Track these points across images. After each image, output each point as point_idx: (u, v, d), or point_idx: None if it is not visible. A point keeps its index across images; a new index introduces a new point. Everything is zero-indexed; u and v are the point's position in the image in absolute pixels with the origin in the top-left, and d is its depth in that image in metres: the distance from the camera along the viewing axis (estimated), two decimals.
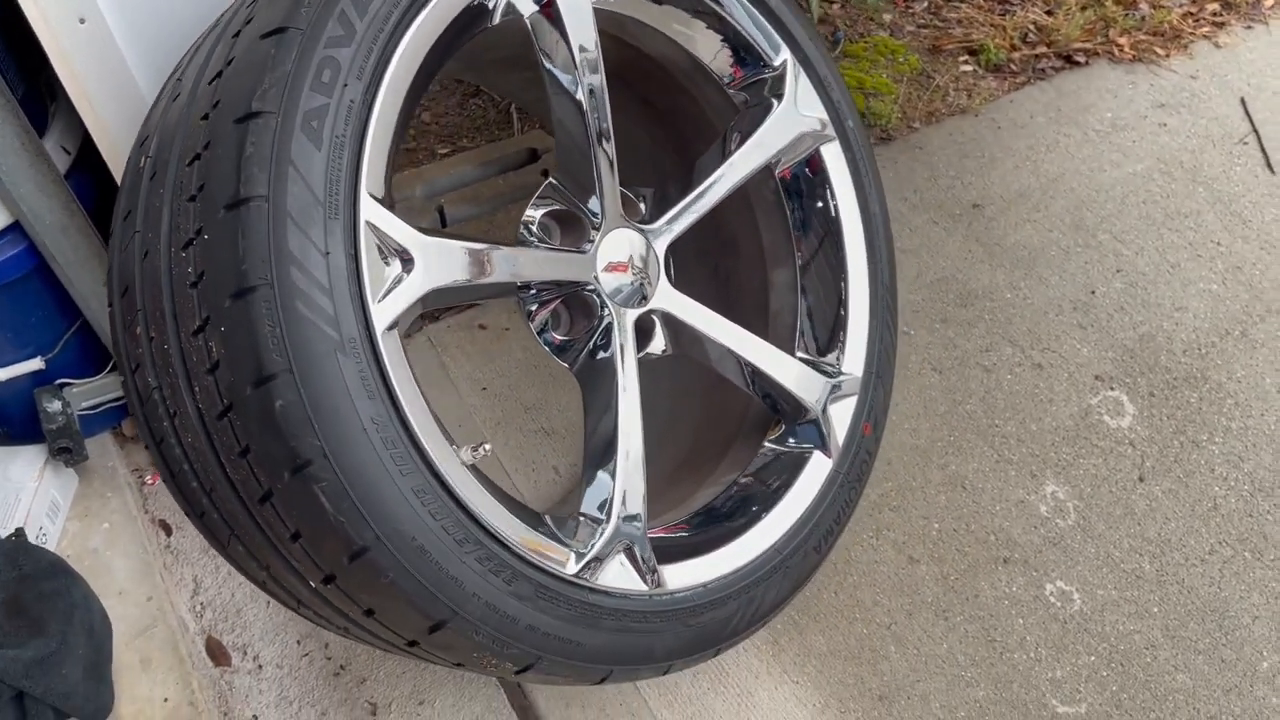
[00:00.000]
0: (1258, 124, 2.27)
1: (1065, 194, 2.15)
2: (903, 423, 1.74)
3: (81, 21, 1.19)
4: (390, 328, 0.95)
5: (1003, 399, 1.79)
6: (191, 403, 0.98)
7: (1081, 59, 2.44)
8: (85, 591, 1.27)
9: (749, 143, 1.28)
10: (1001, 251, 2.04)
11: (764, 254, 1.44)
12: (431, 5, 1.00)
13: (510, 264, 1.07)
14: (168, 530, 1.65)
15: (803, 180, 1.37)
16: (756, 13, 1.28)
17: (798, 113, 1.31)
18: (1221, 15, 2.54)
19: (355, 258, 0.93)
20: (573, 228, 1.19)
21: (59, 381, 1.57)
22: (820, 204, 1.37)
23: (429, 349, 1.85)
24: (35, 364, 1.53)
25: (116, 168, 1.31)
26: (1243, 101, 2.33)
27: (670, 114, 1.42)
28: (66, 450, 1.56)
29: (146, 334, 1.03)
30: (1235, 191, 2.13)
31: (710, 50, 1.31)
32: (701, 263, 1.51)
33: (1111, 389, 1.80)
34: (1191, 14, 2.53)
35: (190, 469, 1.04)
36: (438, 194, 1.99)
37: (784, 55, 1.30)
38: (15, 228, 1.38)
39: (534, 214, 1.17)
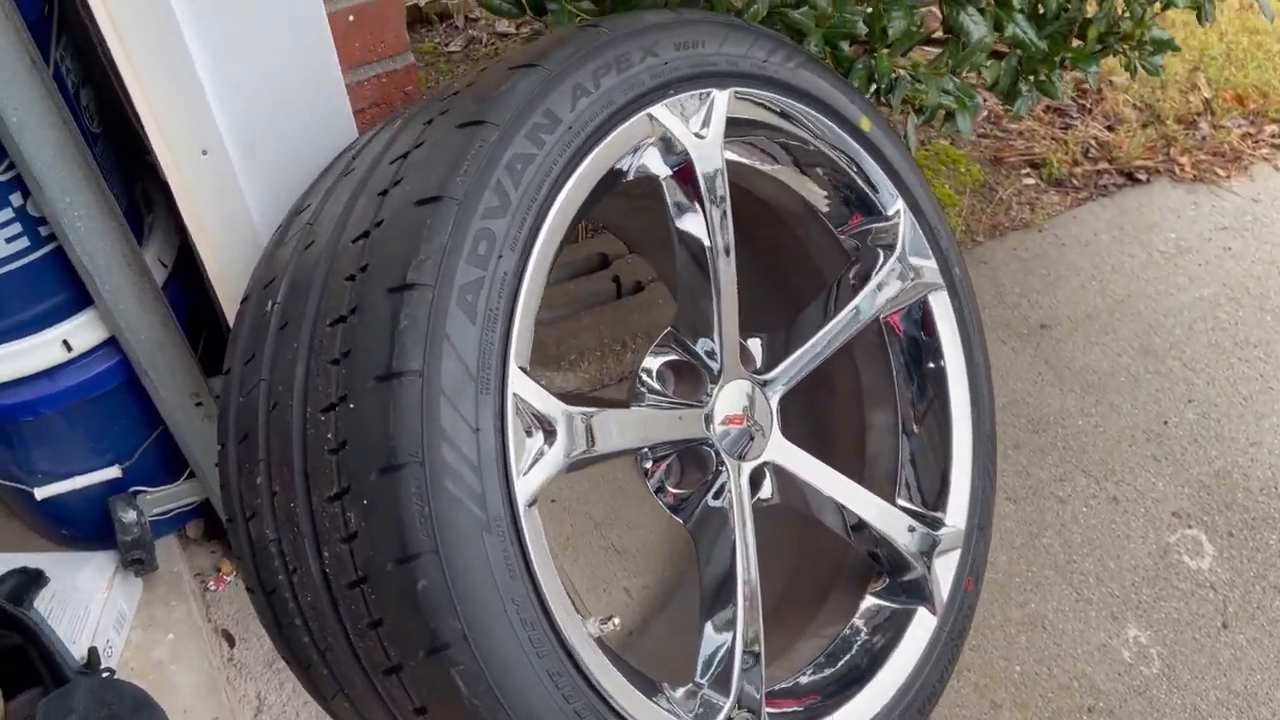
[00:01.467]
0: None
1: (1133, 317, 2.14)
2: None
3: (204, 153, 1.18)
4: (531, 504, 0.93)
5: (1079, 533, 1.77)
6: (317, 564, 0.96)
7: (1143, 177, 2.45)
8: None
9: (863, 292, 1.27)
10: (1071, 375, 2.02)
11: (862, 395, 1.42)
12: (579, 172, 0.99)
13: (644, 427, 1.05)
14: (231, 641, 1.62)
15: (909, 327, 1.36)
16: (874, 162, 1.28)
17: (909, 261, 1.30)
18: None
19: (502, 432, 0.91)
20: (690, 378, 1.18)
21: (133, 490, 1.55)
22: (926, 352, 1.36)
23: None
24: (113, 472, 1.51)
25: (225, 296, 1.29)
26: None
27: (775, 255, 1.41)
28: (139, 561, 1.53)
29: (269, 486, 1.01)
30: None
31: (824, 197, 1.31)
32: (792, 397, 1.49)
33: (1189, 527, 1.78)
34: (1250, 135, 2.55)
35: (303, 624, 1.02)
36: None
37: (898, 205, 1.30)
38: (110, 342, 1.36)
39: (652, 363, 1.16)
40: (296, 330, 0.99)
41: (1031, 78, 1.65)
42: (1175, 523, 1.79)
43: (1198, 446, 1.91)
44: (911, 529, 1.29)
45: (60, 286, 1.29)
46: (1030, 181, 2.43)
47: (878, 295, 1.28)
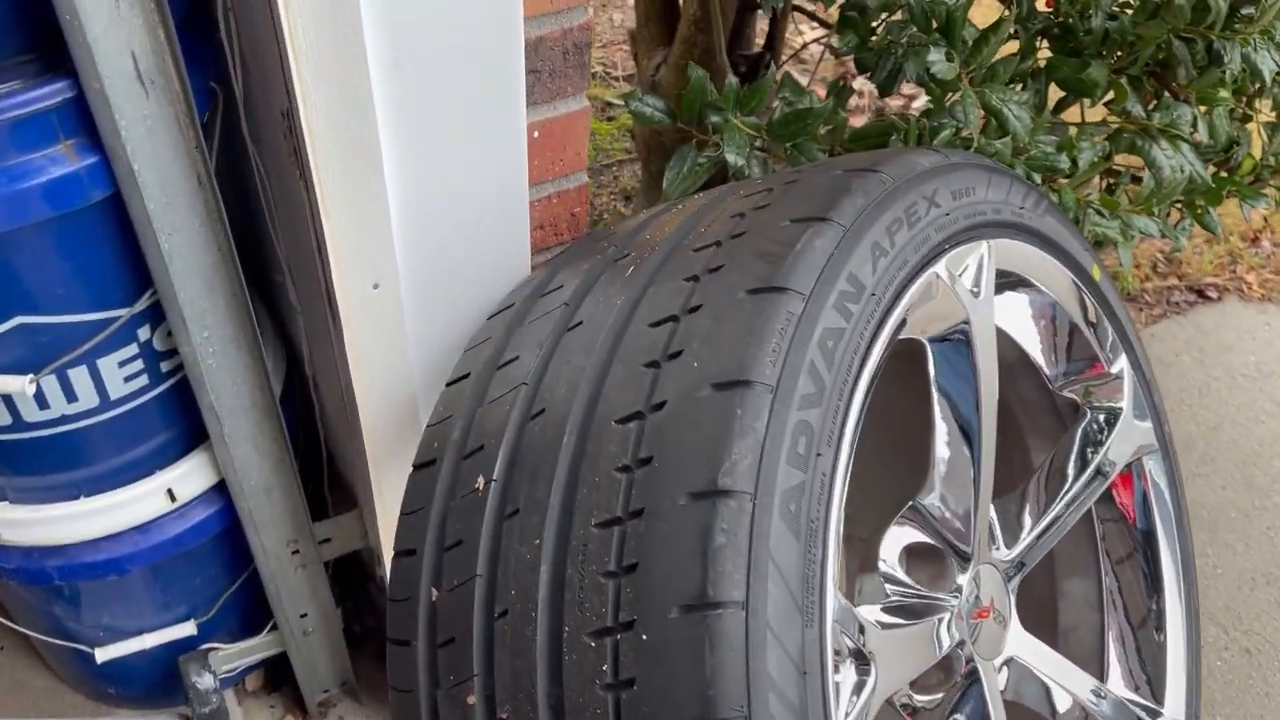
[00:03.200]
0: None
1: (1229, 446, 2.07)
2: None
3: (375, 287, 1.01)
4: None
5: (1219, 690, 1.65)
6: None
7: (1213, 294, 2.40)
8: None
9: (1099, 457, 1.14)
10: None
11: (1053, 560, 1.29)
12: (879, 344, 0.85)
13: (928, 644, 0.90)
14: None
15: (1120, 490, 1.24)
16: (1103, 313, 1.16)
17: (1134, 424, 1.19)
18: None
19: (823, 673, 0.75)
20: (933, 564, 1.03)
21: (205, 647, 1.33)
22: (1137, 519, 1.24)
23: None
24: (187, 629, 1.30)
25: (374, 447, 1.11)
26: None
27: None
28: None
29: (488, 712, 0.83)
30: None
31: (1041, 346, 1.19)
32: None
33: None
34: None
35: None
36: None
37: (1122, 360, 1.18)
38: (216, 488, 1.16)
39: (894, 546, 1.00)
40: (536, 523, 0.82)
41: (1193, 211, 1.56)
42: None
43: None
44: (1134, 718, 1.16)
45: (171, 426, 1.10)
46: None
47: (1113, 460, 1.15)
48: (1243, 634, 1.75)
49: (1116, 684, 1.22)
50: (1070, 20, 1.43)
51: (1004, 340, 1.18)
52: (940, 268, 0.92)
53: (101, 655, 1.26)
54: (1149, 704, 1.19)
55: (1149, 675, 1.21)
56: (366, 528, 1.32)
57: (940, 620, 0.94)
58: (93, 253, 0.89)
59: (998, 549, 1.09)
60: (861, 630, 0.80)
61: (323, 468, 1.33)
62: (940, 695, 1.01)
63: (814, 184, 0.92)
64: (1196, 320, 2.36)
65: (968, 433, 0.99)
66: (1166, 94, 1.46)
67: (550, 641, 0.79)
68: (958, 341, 0.97)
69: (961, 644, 0.99)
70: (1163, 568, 1.23)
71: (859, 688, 0.79)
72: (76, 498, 1.07)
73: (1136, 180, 1.62)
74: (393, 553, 0.96)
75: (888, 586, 0.99)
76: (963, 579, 1.01)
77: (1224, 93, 1.40)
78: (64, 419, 0.99)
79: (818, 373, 0.78)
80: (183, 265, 0.93)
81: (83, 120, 0.81)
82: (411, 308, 1.05)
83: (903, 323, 0.91)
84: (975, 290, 0.97)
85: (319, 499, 1.36)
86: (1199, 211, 1.56)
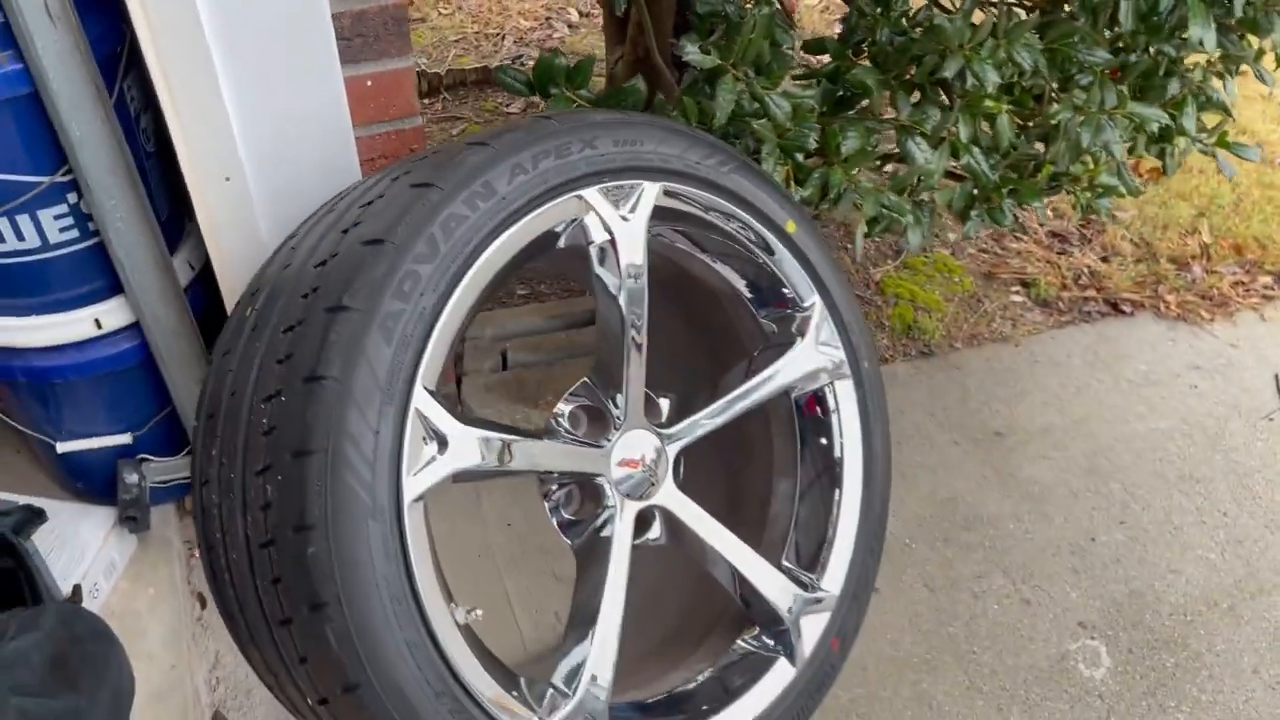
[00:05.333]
0: None
1: (1086, 437, 2.26)
2: (885, 632, 1.85)
3: (226, 179, 1.42)
4: (417, 499, 1.12)
5: (985, 627, 1.89)
6: (242, 527, 1.16)
7: (1128, 309, 2.57)
8: (121, 658, 1.44)
9: (769, 369, 1.44)
10: (1014, 483, 2.15)
11: (774, 463, 1.59)
12: (506, 235, 1.20)
13: (531, 455, 1.24)
14: (203, 603, 1.82)
15: (816, 408, 1.53)
16: (795, 260, 1.46)
17: (818, 351, 1.48)
18: (1273, 289, 2.65)
19: (399, 438, 1.11)
20: (597, 423, 1.36)
21: (140, 456, 1.78)
22: (826, 434, 1.52)
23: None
24: (124, 438, 1.74)
25: (230, 300, 1.52)
26: (1276, 378, 2.43)
27: (705, 329, 1.60)
28: (133, 519, 1.76)
29: (220, 459, 1.22)
30: (1252, 465, 2.22)
31: (747, 284, 1.49)
32: (718, 458, 1.66)
33: (1092, 638, 1.89)
34: (1242, 283, 2.65)
35: (230, 579, 1.21)
36: (504, 338, 2.19)
37: (814, 299, 1.48)
38: (134, 326, 1.60)
39: (565, 408, 1.35)
40: (262, 334, 1.21)
41: (984, 205, 1.81)
42: (1080, 632, 1.90)
43: (1119, 566, 2.01)
44: (786, 588, 1.45)
45: (98, 274, 1.53)
46: (1018, 299, 2.58)
47: (780, 375, 1.45)
48: (1029, 588, 1.96)
49: (789, 559, 1.51)
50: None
51: (713, 273, 1.50)
52: (588, 193, 1.26)
53: (61, 447, 1.72)
54: (808, 575, 1.48)
55: (806, 551, 1.50)
56: None
57: (546, 445, 1.28)
58: (22, 130, 1.33)
59: (660, 422, 1.41)
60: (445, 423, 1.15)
61: None
62: (587, 516, 1.34)
63: (513, 126, 1.27)
64: (1102, 329, 2.54)
65: (621, 327, 1.32)
66: (944, 98, 1.72)
67: (248, 408, 1.17)
68: (609, 250, 1.30)
69: (603, 480, 1.32)
70: (844, 479, 1.51)
71: (437, 458, 1.14)
72: (29, 315, 1.53)
73: (954, 176, 1.87)
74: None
75: (557, 430, 1.33)
76: (612, 436, 1.34)
77: (989, 101, 1.65)
78: (16, 253, 1.45)
79: (434, 241, 1.14)
80: (89, 151, 1.36)
81: (13, 40, 1.25)
82: (261, 201, 1.46)
83: (552, 233, 1.25)
84: (626, 216, 1.30)
85: None
86: (991, 207, 1.81)
